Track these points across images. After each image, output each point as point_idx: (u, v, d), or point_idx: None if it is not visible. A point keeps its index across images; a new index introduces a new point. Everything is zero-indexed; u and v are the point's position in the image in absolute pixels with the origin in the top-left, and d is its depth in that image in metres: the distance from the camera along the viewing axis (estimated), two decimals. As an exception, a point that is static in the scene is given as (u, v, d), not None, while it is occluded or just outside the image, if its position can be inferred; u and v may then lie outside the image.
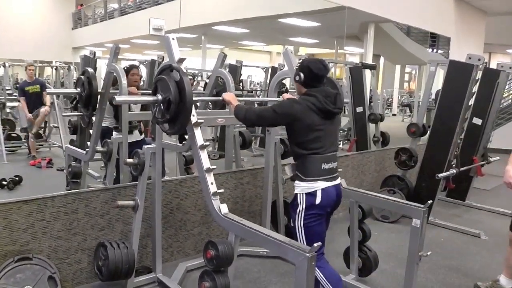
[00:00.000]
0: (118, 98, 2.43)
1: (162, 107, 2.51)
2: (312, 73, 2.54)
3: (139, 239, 3.17)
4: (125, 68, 3.98)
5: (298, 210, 2.50)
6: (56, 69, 10.63)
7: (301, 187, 2.51)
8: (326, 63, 2.60)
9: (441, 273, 3.72)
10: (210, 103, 5.62)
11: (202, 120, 2.60)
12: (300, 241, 2.51)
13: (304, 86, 2.58)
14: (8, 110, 7.28)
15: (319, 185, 2.48)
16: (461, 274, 3.73)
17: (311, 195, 2.48)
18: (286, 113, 2.48)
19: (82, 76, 3.41)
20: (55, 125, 7.43)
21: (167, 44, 2.69)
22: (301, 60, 2.63)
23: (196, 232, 3.81)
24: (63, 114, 6.40)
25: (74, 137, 5.77)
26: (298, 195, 2.51)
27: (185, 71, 2.51)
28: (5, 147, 6.53)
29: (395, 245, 4.28)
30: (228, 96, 2.80)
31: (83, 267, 3.14)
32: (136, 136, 4.24)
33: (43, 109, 6.52)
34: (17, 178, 5.24)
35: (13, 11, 9.98)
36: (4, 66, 9.21)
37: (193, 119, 2.56)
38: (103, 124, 4.12)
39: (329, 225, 4.55)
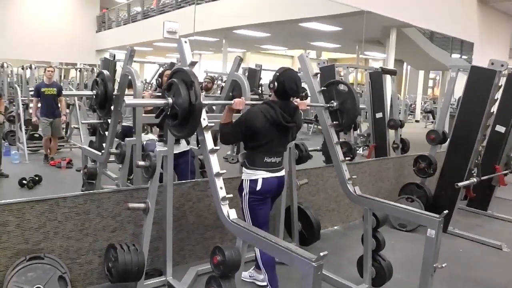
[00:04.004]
0: (128, 101, 2.43)
1: (172, 111, 2.49)
2: (284, 90, 2.84)
3: (151, 241, 3.17)
4: (162, 71, 4.04)
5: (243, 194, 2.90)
6: (80, 71, 10.82)
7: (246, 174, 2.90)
8: (300, 84, 2.90)
9: (459, 285, 3.62)
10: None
11: (213, 124, 2.58)
12: (246, 220, 2.88)
13: (274, 93, 2.89)
14: (31, 111, 7.42)
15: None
16: (480, 287, 3.61)
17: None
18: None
19: (97, 78, 3.44)
20: (76, 126, 7.56)
21: (179, 47, 2.69)
22: (283, 70, 2.88)
23: (208, 236, 3.79)
24: (82, 121, 6.47)
25: (94, 138, 5.85)
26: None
27: (196, 74, 2.50)
28: (27, 147, 6.67)
29: (411, 254, 4.18)
30: (240, 104, 2.79)
31: (94, 268, 3.16)
32: (183, 146, 4.02)
33: (59, 121, 6.65)
34: (36, 178, 5.33)
35: (39, 14, 10.19)
36: (30, 68, 9.44)
37: (204, 122, 2.54)
38: (125, 124, 4.14)
39: (345, 232, 4.52)
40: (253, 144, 2.87)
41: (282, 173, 3.01)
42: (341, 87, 3.44)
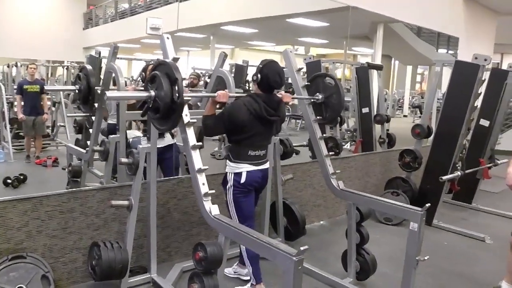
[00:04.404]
0: (109, 93, 2.40)
1: (154, 104, 2.48)
2: (267, 82, 2.86)
3: (136, 238, 3.16)
4: (145, 65, 3.98)
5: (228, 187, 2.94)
6: (67, 68, 10.74)
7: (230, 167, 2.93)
8: (283, 76, 2.92)
9: (443, 278, 3.65)
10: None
11: (195, 120, 2.57)
12: (231, 212, 2.93)
13: (257, 86, 2.90)
14: (16, 109, 7.35)
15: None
16: (464, 279, 3.65)
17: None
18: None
19: (80, 73, 3.41)
20: (62, 124, 7.50)
21: (162, 43, 2.67)
22: (266, 62, 2.89)
23: (194, 233, 3.78)
24: (68, 114, 6.40)
25: (80, 136, 5.80)
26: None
27: (179, 69, 2.48)
28: (12, 146, 6.60)
29: (397, 248, 4.19)
30: (224, 97, 2.77)
31: (78, 266, 3.14)
32: (168, 140, 4.02)
33: (41, 119, 6.56)
34: (21, 177, 5.28)
35: (26, 12, 10.10)
36: (16, 65, 9.36)
37: (186, 118, 2.53)
38: (111, 121, 4.10)
39: (331, 227, 4.52)
40: (237, 138, 2.88)
41: (266, 165, 3.04)
42: (328, 80, 3.44)
